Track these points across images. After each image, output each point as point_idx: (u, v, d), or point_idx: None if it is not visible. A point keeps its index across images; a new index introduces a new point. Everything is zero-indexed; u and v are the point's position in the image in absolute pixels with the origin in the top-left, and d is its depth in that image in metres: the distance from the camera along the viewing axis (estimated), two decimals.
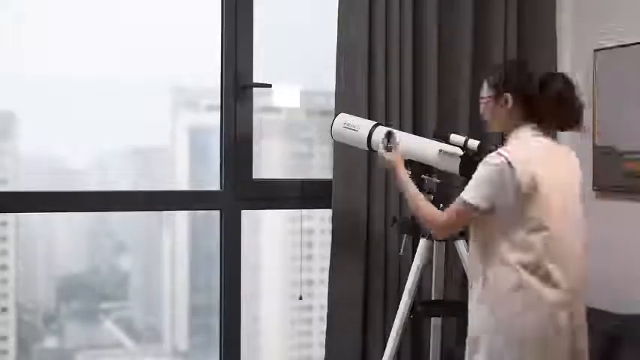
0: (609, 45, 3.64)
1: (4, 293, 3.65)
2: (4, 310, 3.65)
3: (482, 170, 2.65)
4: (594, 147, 3.72)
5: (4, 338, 3.64)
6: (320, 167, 3.90)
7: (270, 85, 3.54)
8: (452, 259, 3.33)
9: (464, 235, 3.19)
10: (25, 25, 3.24)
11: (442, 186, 3.16)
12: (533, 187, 2.59)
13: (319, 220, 3.87)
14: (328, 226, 3.54)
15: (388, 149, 3.02)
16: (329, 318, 3.53)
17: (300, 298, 3.56)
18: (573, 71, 3.89)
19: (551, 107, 2.67)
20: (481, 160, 2.99)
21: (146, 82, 3.38)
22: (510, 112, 2.73)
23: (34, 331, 3.78)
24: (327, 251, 3.54)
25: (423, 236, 3.18)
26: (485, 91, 2.78)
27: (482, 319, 2.69)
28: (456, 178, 3.19)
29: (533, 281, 2.60)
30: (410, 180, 2.92)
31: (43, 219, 3.59)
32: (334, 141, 3.39)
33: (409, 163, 3.16)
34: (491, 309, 2.66)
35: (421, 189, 3.13)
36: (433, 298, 3.32)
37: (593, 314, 3.48)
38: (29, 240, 3.75)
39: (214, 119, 3.53)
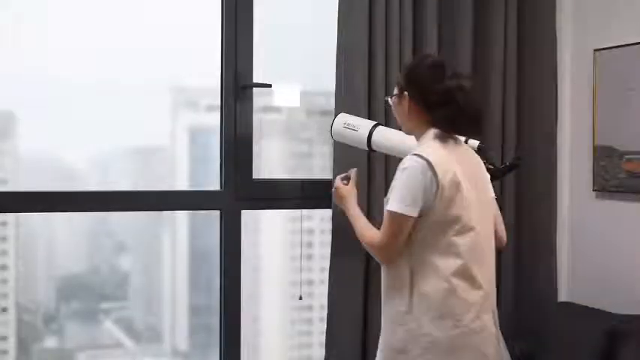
0: (609, 45, 3.64)
1: (4, 293, 3.65)
2: (4, 310, 3.65)
3: (402, 176, 2.55)
4: (594, 147, 3.72)
5: (4, 338, 3.64)
6: (320, 167, 3.90)
7: (270, 85, 3.54)
8: None
9: None
10: (25, 25, 3.24)
11: None
12: (455, 188, 2.53)
13: (319, 220, 3.86)
14: (328, 226, 3.54)
15: (345, 183, 2.94)
16: (329, 318, 3.52)
17: (300, 298, 3.56)
18: (573, 71, 3.91)
19: (442, 105, 2.58)
20: (481, 159, 3.00)
21: (146, 82, 3.38)
22: (409, 110, 2.67)
23: (34, 331, 3.78)
24: (327, 251, 3.54)
25: None
26: (394, 91, 2.76)
27: (413, 329, 2.58)
28: None
29: (462, 286, 2.56)
30: (361, 213, 2.81)
31: (43, 219, 3.59)
32: (334, 141, 3.38)
33: None
34: (422, 318, 2.57)
35: None
36: None
37: (593, 314, 3.49)
38: (29, 240, 3.75)
39: (214, 119, 3.53)
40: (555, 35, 3.88)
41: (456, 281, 2.55)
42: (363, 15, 3.51)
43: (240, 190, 3.51)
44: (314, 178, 3.69)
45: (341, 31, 3.51)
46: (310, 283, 3.89)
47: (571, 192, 3.92)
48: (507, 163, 3.19)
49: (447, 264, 2.55)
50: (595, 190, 3.75)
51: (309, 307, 4.02)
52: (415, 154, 2.56)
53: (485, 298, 2.61)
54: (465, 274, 2.56)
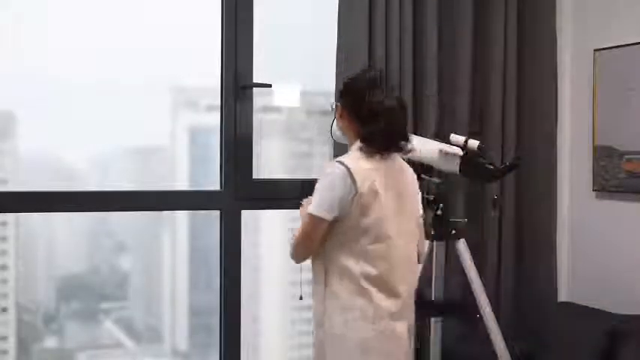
0: (609, 45, 3.64)
1: (4, 293, 3.65)
2: (4, 310, 3.65)
3: (323, 181, 2.64)
4: (594, 147, 3.72)
5: (4, 338, 3.64)
6: (320, 167, 3.89)
7: (270, 85, 3.54)
8: (452, 259, 3.32)
9: (463, 234, 3.19)
10: (25, 25, 3.24)
11: (442, 186, 3.16)
12: (373, 196, 2.59)
13: None
14: None
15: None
16: None
17: (301, 298, 3.54)
18: (573, 71, 3.91)
19: (369, 121, 2.64)
20: (482, 159, 3.00)
21: (146, 82, 3.38)
22: (342, 119, 2.75)
23: (34, 331, 3.78)
24: None
25: None
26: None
27: (328, 329, 2.67)
28: (456, 178, 3.19)
29: (374, 292, 2.61)
30: None
31: (43, 219, 3.58)
32: (334, 141, 3.38)
33: (409, 164, 3.16)
34: (334, 318, 2.64)
35: (421, 189, 3.13)
36: (433, 298, 3.32)
37: (593, 314, 3.49)
38: (29, 240, 3.75)
39: (214, 119, 3.53)
40: (555, 35, 3.88)
41: (368, 286, 2.60)
42: (363, 15, 3.51)
43: (240, 190, 3.51)
44: (314, 178, 3.68)
45: (341, 31, 3.51)
46: (310, 283, 3.89)
47: (571, 192, 3.92)
48: (507, 163, 3.19)
49: (361, 269, 2.60)
50: (595, 190, 3.75)
51: (309, 307, 4.01)
52: (337, 161, 2.64)
53: (399, 306, 2.65)
54: (377, 280, 2.61)
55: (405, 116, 2.71)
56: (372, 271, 2.60)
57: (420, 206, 2.84)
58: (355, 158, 2.64)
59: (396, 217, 2.65)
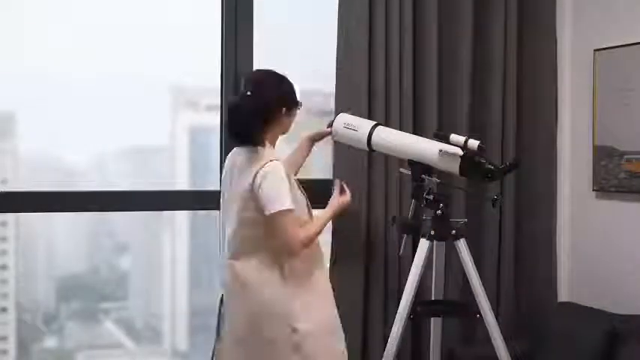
0: (609, 45, 3.64)
1: (4, 293, 3.65)
2: (4, 310, 3.65)
3: None
4: (594, 147, 3.72)
5: (4, 338, 3.64)
6: (320, 167, 3.89)
7: None
8: (452, 259, 3.32)
9: (463, 234, 3.19)
10: (25, 25, 3.24)
11: (442, 186, 3.16)
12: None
13: None
14: (328, 226, 3.53)
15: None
16: None
17: None
18: (573, 71, 3.91)
19: None
20: (482, 159, 3.00)
21: (146, 82, 3.38)
22: None
23: (34, 331, 3.78)
24: (327, 251, 3.53)
25: (423, 236, 3.18)
26: None
27: None
28: (455, 178, 3.19)
29: None
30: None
31: (43, 219, 3.58)
32: (334, 141, 3.38)
33: (410, 164, 3.16)
34: None
35: (421, 189, 3.13)
36: (433, 298, 3.32)
37: (593, 314, 3.49)
38: (29, 240, 3.75)
39: (214, 119, 3.53)
40: (555, 35, 3.88)
41: None
42: (363, 15, 3.50)
43: None
44: (314, 178, 3.69)
45: (341, 31, 3.51)
46: None
47: (571, 192, 3.92)
48: (507, 163, 3.19)
49: None
50: (595, 190, 3.75)
51: None
52: None
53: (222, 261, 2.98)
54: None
55: (242, 114, 2.83)
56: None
57: (269, 205, 2.78)
58: None
59: (225, 204, 2.96)
